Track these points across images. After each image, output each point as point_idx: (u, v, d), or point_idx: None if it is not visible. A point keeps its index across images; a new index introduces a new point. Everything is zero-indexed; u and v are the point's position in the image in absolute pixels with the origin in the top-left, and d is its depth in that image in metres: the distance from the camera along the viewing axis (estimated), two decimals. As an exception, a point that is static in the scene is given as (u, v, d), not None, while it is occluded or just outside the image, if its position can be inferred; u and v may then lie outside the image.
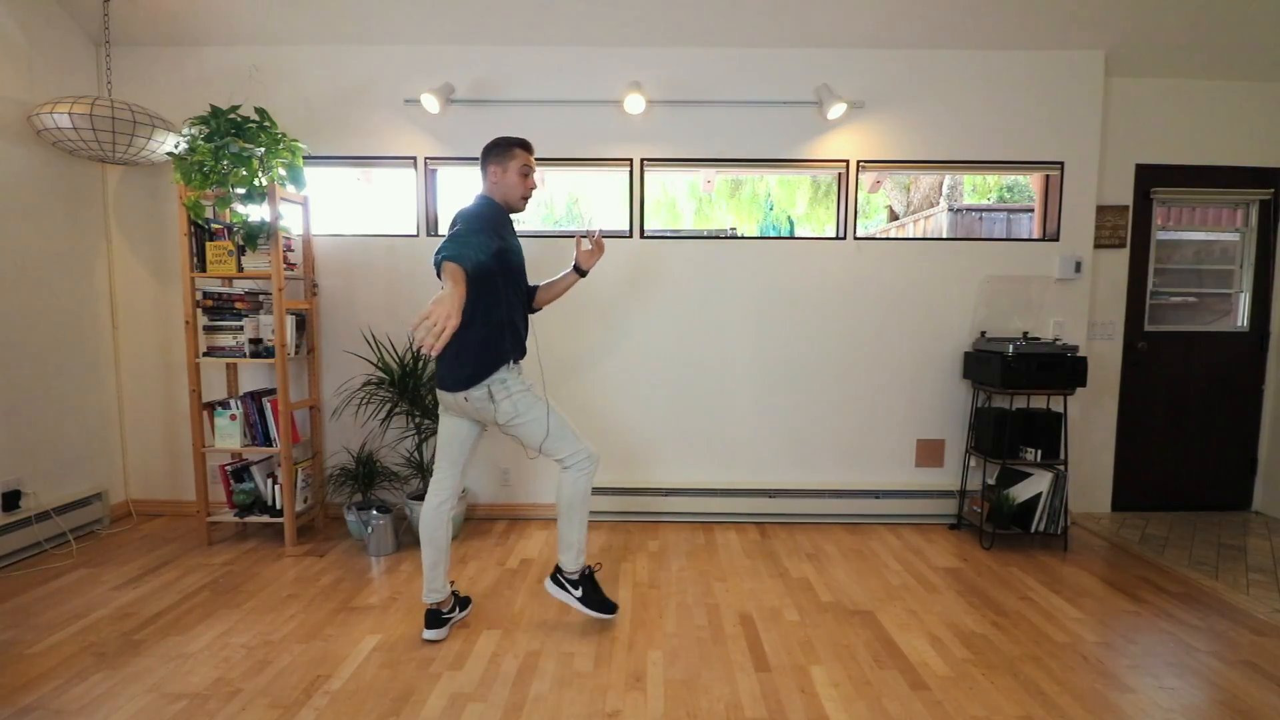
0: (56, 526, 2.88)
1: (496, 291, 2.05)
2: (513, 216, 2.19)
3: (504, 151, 2.12)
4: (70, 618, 2.25)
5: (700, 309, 3.28)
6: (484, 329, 2.03)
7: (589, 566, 2.24)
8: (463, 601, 2.34)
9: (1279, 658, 2.06)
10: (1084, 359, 2.90)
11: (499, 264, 2.02)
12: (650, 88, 3.14)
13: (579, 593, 2.20)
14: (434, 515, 2.14)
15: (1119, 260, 3.41)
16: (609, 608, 2.24)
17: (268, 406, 2.92)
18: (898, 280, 3.26)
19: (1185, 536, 3.18)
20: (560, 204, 7.38)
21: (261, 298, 2.92)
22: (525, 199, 2.17)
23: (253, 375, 3.26)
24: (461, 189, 3.41)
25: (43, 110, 2.62)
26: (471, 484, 3.34)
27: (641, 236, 3.23)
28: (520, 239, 2.18)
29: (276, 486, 2.95)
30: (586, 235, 2.37)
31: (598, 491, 3.25)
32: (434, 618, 2.16)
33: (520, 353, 2.15)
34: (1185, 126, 3.34)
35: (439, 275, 1.80)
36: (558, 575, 2.23)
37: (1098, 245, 3.34)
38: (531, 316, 2.30)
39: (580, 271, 2.34)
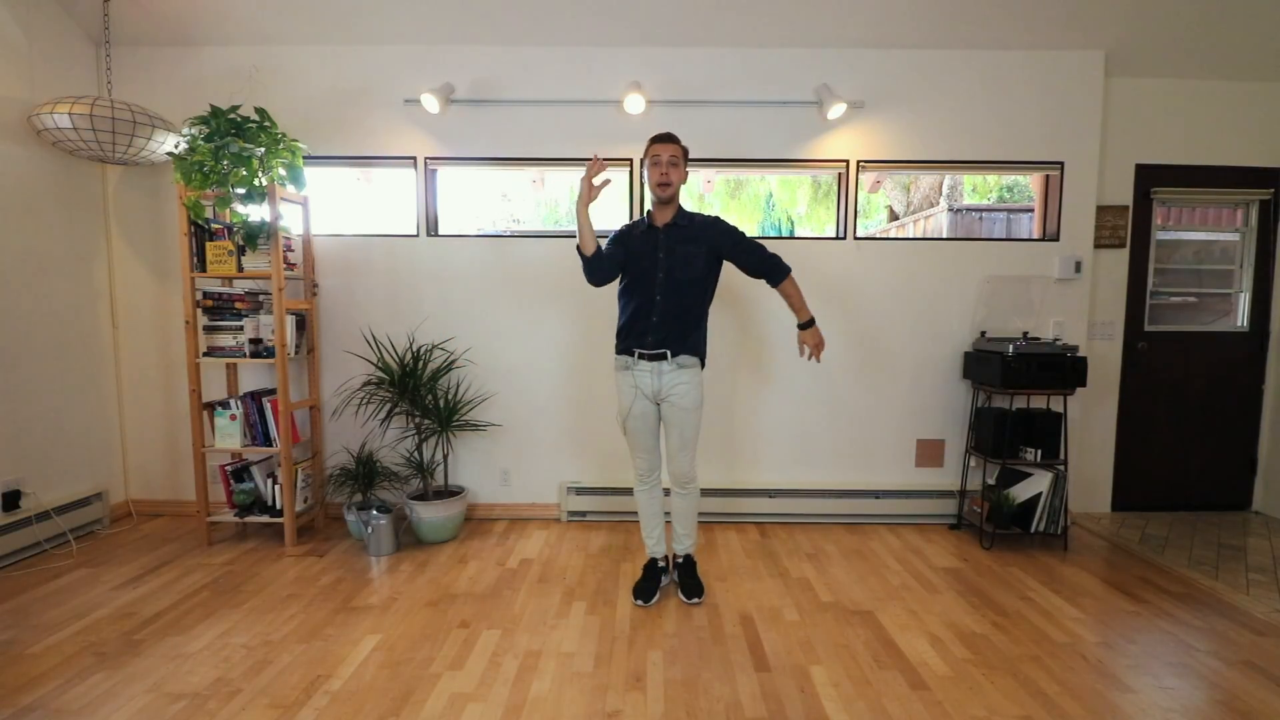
0: (56, 526, 2.88)
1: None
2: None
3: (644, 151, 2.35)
4: (70, 618, 2.25)
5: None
6: None
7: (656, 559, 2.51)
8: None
9: (1279, 658, 2.07)
10: (1084, 359, 2.90)
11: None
12: (650, 88, 3.14)
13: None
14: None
15: (1119, 260, 3.41)
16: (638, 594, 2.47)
17: (268, 406, 2.92)
18: (898, 280, 3.26)
19: (1185, 536, 3.18)
20: (562, 204, 7.37)
21: (261, 298, 2.92)
22: (658, 185, 2.30)
23: (253, 375, 3.26)
24: (462, 189, 3.40)
25: (43, 110, 2.62)
26: (471, 484, 3.33)
27: (641, 236, 3.23)
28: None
29: (276, 486, 2.95)
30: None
31: (597, 491, 3.27)
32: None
33: (620, 347, 2.41)
34: (1185, 126, 3.34)
35: None
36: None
37: (1098, 245, 3.34)
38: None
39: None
